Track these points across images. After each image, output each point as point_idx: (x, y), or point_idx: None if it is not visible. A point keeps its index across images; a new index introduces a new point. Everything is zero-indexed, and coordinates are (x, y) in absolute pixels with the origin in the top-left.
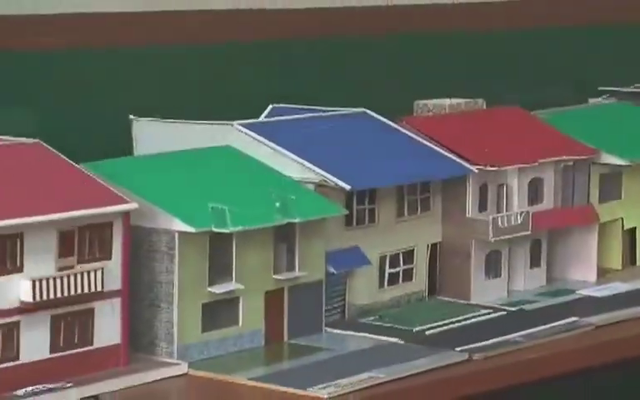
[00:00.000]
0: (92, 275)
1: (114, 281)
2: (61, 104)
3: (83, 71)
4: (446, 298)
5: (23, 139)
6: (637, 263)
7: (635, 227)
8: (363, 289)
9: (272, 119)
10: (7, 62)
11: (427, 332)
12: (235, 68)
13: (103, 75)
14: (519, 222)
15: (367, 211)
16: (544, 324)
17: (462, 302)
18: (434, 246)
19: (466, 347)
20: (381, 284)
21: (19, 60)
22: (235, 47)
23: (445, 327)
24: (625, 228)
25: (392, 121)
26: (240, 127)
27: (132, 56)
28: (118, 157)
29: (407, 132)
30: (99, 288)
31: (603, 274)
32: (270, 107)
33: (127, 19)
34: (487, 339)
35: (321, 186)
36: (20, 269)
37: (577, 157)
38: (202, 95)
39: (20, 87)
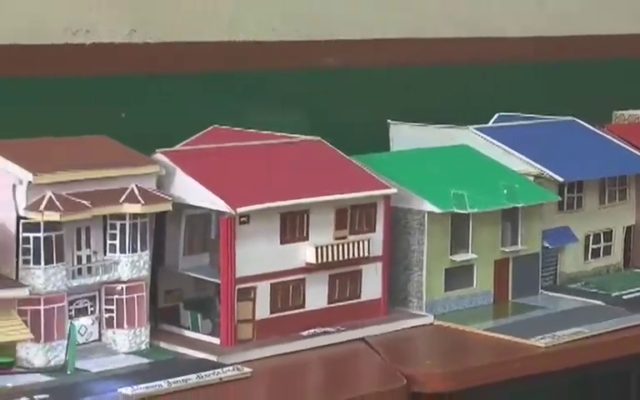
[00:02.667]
0: (361, 244)
1: (377, 249)
2: (335, 110)
3: (355, 86)
4: (638, 270)
5: (307, 137)
6: None
7: None
8: (571, 261)
9: (499, 124)
10: (295, 80)
11: (624, 297)
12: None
13: (366, 90)
14: None
15: (575, 198)
16: None
17: None
18: (629, 228)
19: None
20: (585, 257)
21: (307, 77)
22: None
23: (638, 293)
24: None
25: (595, 127)
26: (474, 130)
27: (390, 75)
28: (380, 152)
29: (607, 136)
30: (366, 254)
31: None
32: (496, 115)
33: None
34: None
35: (538, 177)
36: (306, 238)
37: None
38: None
39: (302, 100)
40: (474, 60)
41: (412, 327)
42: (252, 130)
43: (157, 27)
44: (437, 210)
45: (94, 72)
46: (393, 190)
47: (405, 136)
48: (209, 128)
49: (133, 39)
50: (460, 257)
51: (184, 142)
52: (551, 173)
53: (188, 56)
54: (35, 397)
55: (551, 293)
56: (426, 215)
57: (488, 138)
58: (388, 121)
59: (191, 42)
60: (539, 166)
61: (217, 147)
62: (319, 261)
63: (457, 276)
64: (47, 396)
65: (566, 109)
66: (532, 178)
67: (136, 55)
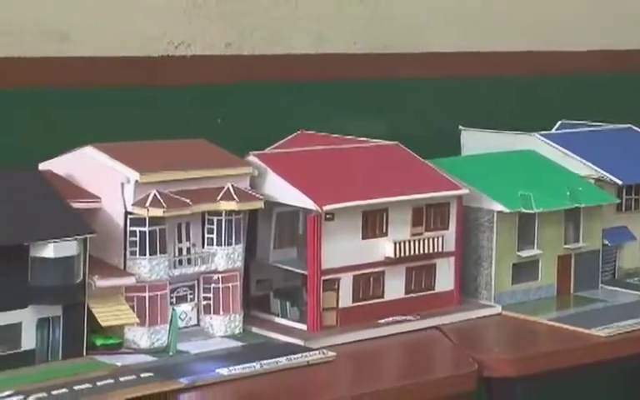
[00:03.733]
0: (435, 240)
1: (450, 244)
2: (412, 118)
3: (429, 96)
4: None
5: (386, 142)
6: None
7: None
8: (629, 257)
9: (562, 131)
10: (374, 90)
11: None
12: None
13: (439, 99)
14: None
15: (633, 200)
16: None
17: None
18: None
19: None
20: None
21: (386, 87)
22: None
23: None
24: None
25: None
26: (539, 137)
27: (461, 86)
28: (453, 156)
29: None
30: (440, 249)
31: None
32: (559, 122)
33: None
34: None
35: (599, 180)
36: (385, 234)
37: None
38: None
39: (381, 108)
40: (539, 71)
41: (482, 316)
42: (335, 135)
43: (250, 41)
44: (505, 209)
45: (193, 82)
46: (465, 191)
47: (475, 141)
48: (296, 133)
49: (229, 52)
50: (526, 253)
51: (274, 146)
52: (610, 177)
53: (278, 67)
54: (141, 375)
55: (610, 287)
56: (495, 214)
57: (552, 144)
58: (460, 127)
59: (281, 55)
60: (599, 169)
61: (304, 151)
62: (397, 255)
63: (524, 270)
64: (152, 374)
65: (624, 118)
66: (592, 181)
67: (231, 66)
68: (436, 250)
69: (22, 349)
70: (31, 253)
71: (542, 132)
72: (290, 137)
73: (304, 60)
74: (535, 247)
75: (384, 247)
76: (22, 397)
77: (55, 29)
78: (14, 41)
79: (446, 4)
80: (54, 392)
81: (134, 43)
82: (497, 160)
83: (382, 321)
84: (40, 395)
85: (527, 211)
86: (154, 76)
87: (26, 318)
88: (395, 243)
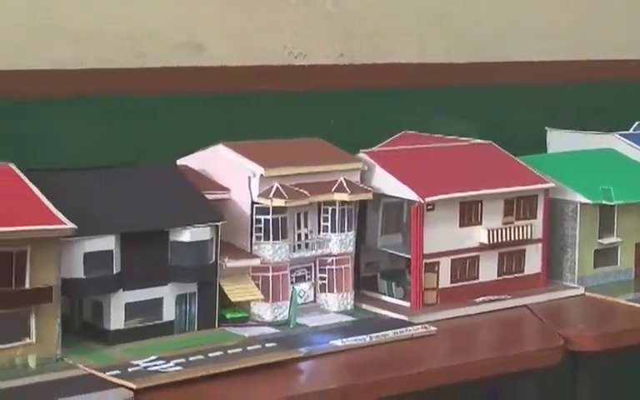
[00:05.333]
0: (525, 228)
1: (538, 232)
2: (503, 119)
3: (519, 99)
4: None
5: (481, 141)
6: None
7: None
8: None
9: (639, 132)
10: (470, 95)
11: None
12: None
13: (528, 102)
14: None
15: None
16: None
17: None
18: None
19: None
20: None
21: (480, 93)
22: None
23: None
24: None
25: None
26: (618, 136)
27: (548, 91)
28: (540, 154)
29: None
30: (529, 237)
31: None
32: (636, 123)
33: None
34: None
35: None
36: (480, 222)
37: None
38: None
39: (475, 111)
40: (617, 77)
41: (567, 297)
42: (435, 135)
43: (360, 52)
44: (588, 201)
45: (310, 88)
46: (551, 184)
47: (560, 141)
48: (400, 133)
49: (341, 61)
50: (607, 241)
51: (381, 144)
52: None
53: (384, 75)
54: (266, 344)
55: None
56: (578, 205)
57: (630, 143)
58: (546, 128)
59: (387, 64)
60: None
61: (408, 148)
62: (491, 241)
63: (604, 255)
64: (275, 344)
65: None
66: None
67: (343, 74)
68: (525, 237)
69: (163, 320)
70: (170, 238)
71: (621, 132)
72: (395, 136)
73: (408, 69)
74: (615, 235)
75: (479, 235)
76: (164, 361)
77: (192, 42)
78: (157, 53)
79: (532, 19)
80: (191, 358)
81: (259, 54)
82: (580, 157)
83: (477, 300)
84: (179, 360)
85: (608, 203)
86: (277, 82)
87: (166, 294)
88: (489, 231)
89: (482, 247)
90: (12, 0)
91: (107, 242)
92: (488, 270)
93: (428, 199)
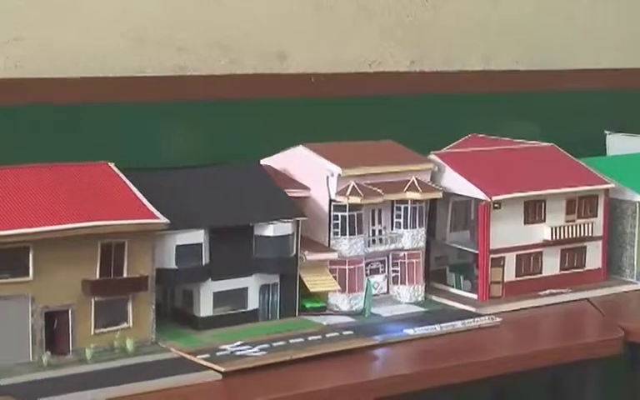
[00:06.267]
0: (586, 226)
1: (598, 230)
2: (565, 123)
3: (580, 105)
4: None
5: (544, 144)
6: None
7: None
8: None
9: None
10: (532, 100)
11: None
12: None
13: (588, 108)
14: None
15: None
16: None
17: None
18: None
19: None
20: None
21: (544, 98)
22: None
23: None
24: None
25: None
26: None
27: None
28: (600, 156)
29: None
30: (589, 234)
31: None
32: None
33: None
34: None
35: None
36: (543, 220)
37: None
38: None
39: (539, 115)
40: None
41: (625, 291)
42: (502, 138)
43: (430, 60)
44: None
45: (384, 94)
46: (611, 185)
47: (618, 144)
48: (467, 136)
49: (412, 69)
50: None
51: (450, 146)
52: None
53: (453, 81)
54: (343, 332)
55: None
56: (637, 205)
57: None
58: (605, 132)
59: (455, 71)
60: None
61: (476, 150)
62: (553, 238)
63: None
64: (351, 332)
65: None
66: None
67: (414, 81)
68: (586, 234)
69: (248, 309)
70: (255, 232)
71: None
72: (462, 139)
73: (474, 76)
74: None
75: (542, 232)
76: (249, 346)
77: (277, 51)
78: (245, 61)
79: (591, 30)
80: (274, 344)
81: (337, 63)
82: (638, 159)
83: (541, 293)
84: (263, 346)
85: None
86: (353, 89)
87: (251, 284)
88: (552, 228)
89: (546, 244)
90: (125, 16)
91: (197, 236)
92: (551, 265)
93: (495, 198)
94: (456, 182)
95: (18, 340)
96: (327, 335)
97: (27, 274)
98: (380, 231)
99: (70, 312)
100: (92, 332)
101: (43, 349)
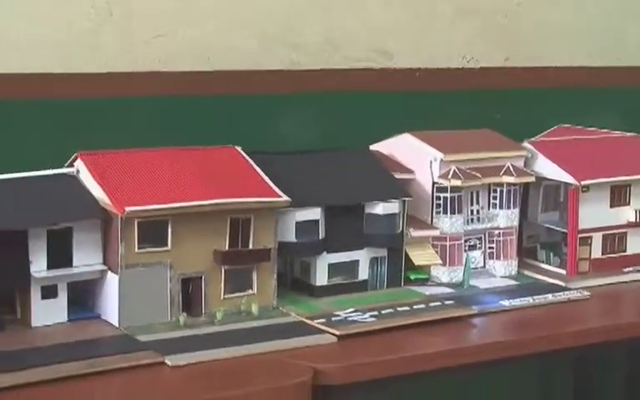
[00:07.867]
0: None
1: None
2: None
3: None
4: None
5: (628, 133)
6: None
7: None
8: None
9: None
10: (617, 96)
11: None
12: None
13: None
14: None
15: None
16: None
17: None
18: None
19: None
20: None
21: (623, 94)
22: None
23: None
24: None
25: None
26: None
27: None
28: None
29: None
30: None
31: None
32: None
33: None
34: None
35: None
36: (628, 203)
37: None
38: None
39: (626, 109)
40: None
41: None
42: (588, 128)
43: (521, 57)
44: None
45: (479, 88)
46: None
47: None
48: (556, 127)
49: (507, 64)
50: None
51: (541, 135)
52: None
53: (540, 76)
54: (445, 302)
55: None
56: None
57: None
58: None
59: (543, 67)
60: None
61: (566, 139)
62: (638, 220)
63: None
64: (452, 302)
65: None
66: None
67: (508, 76)
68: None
69: (359, 279)
70: (366, 210)
71: None
72: (552, 129)
73: (558, 72)
74: None
75: (627, 214)
76: (360, 313)
77: (382, 49)
78: (355, 57)
79: None
80: (383, 312)
81: (437, 59)
82: None
83: (625, 269)
84: (373, 313)
85: None
86: (452, 83)
87: (361, 257)
88: (636, 211)
89: (630, 225)
90: (246, 15)
91: (314, 213)
92: (635, 244)
93: (584, 182)
94: (547, 168)
95: (158, 302)
96: (431, 304)
97: (166, 244)
98: (478, 211)
99: (203, 278)
100: (222, 297)
101: (180, 311)
